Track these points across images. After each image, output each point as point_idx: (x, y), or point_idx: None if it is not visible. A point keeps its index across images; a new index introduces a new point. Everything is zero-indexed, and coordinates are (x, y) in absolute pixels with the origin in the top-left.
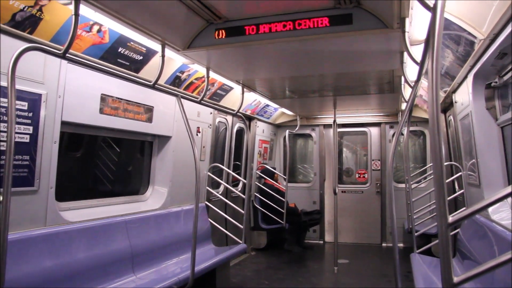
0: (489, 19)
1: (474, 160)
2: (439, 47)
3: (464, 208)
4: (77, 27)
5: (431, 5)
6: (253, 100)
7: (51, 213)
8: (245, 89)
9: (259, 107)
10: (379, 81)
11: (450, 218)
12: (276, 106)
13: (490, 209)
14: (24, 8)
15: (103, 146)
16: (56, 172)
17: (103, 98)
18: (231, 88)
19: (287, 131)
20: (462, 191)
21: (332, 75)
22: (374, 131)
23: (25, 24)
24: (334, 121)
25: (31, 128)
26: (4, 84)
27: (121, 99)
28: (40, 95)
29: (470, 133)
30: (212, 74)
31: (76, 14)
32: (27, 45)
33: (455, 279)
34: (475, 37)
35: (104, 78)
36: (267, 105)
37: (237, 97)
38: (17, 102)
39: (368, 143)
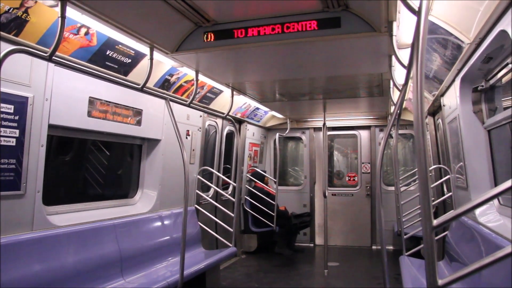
0: (475, 24)
1: (462, 163)
2: (424, 50)
3: (452, 211)
4: (63, 30)
5: (417, 9)
6: (243, 103)
7: (38, 217)
8: (234, 92)
9: (249, 110)
10: (369, 85)
11: (435, 221)
12: (266, 109)
13: (477, 212)
14: (9, 9)
15: (92, 150)
16: (44, 176)
17: (91, 101)
18: (221, 91)
19: (277, 134)
20: (450, 194)
21: (322, 78)
22: (364, 134)
23: (11, 26)
24: (324, 124)
25: (17, 131)
26: None
27: (110, 102)
28: (26, 98)
29: (458, 136)
30: (202, 77)
31: (63, 16)
32: (12, 47)
33: (440, 282)
34: (462, 41)
35: (92, 81)
36: (257, 108)
37: (227, 100)
38: (3, 105)
39: (358, 146)
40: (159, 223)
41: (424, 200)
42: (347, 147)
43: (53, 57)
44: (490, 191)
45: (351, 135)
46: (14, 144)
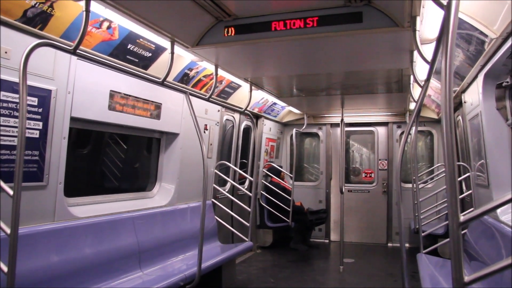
0: (502, 17)
1: (483, 160)
2: (453, 46)
3: (472, 209)
4: (87, 24)
5: (445, 3)
6: (260, 98)
7: (60, 208)
8: (253, 87)
9: (266, 105)
10: (387, 80)
11: (462, 217)
12: (283, 104)
13: (498, 210)
14: (35, 4)
15: (111, 143)
16: (66, 168)
17: (112, 94)
18: (239, 86)
19: (294, 129)
20: (470, 191)
21: (340, 73)
22: (381, 131)
23: (36, 20)
24: (342, 120)
25: (40, 123)
26: (15, 79)
27: (130, 95)
28: (50, 91)
29: (480, 133)
30: (221, 72)
31: (87, 10)
32: (38, 41)
33: (466, 278)
34: (486, 36)
35: (113, 74)
36: (275, 103)
37: (245, 95)
38: (28, 97)
39: (375, 142)
40: (176, 217)
41: (452, 196)
42: (364, 144)
43: (77, 51)
44: None
45: (368, 131)
46: (37, 136)
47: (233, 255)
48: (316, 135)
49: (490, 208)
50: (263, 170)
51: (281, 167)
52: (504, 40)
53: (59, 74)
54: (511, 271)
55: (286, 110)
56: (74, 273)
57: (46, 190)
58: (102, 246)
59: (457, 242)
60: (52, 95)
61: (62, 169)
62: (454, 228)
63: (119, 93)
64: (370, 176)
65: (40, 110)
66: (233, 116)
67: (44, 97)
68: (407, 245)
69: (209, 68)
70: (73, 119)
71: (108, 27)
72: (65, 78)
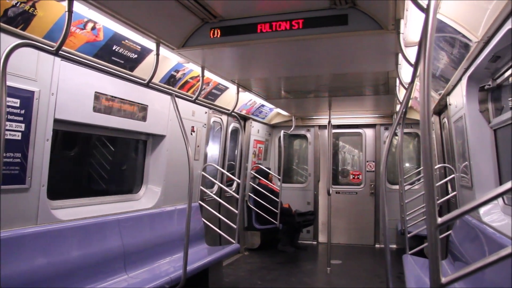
0: (484, 22)
1: (467, 162)
2: (432, 48)
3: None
4: (70, 24)
5: (425, 6)
6: (248, 100)
7: (43, 211)
8: (240, 89)
9: (254, 107)
10: (374, 83)
11: (439, 219)
12: (271, 106)
13: (481, 211)
14: (16, 3)
15: (96, 145)
16: (49, 170)
17: (97, 96)
18: (227, 88)
19: (282, 131)
20: (455, 193)
21: (328, 75)
22: (368, 133)
23: (18, 20)
24: (329, 122)
25: (23, 125)
26: None
27: (115, 97)
28: (32, 92)
29: (464, 135)
30: (207, 73)
31: (70, 10)
32: (18, 41)
33: (443, 280)
34: (469, 39)
35: (98, 76)
36: (263, 105)
37: (232, 97)
38: (9, 99)
39: (363, 144)
40: (162, 219)
41: (429, 198)
42: (352, 145)
43: (60, 52)
44: (494, 190)
45: (356, 133)
46: (19, 138)
47: (220, 257)
48: (304, 137)
49: (467, 210)
50: (251, 172)
51: (269, 169)
52: (486, 44)
53: (42, 75)
54: (493, 271)
55: (274, 112)
56: (58, 277)
57: (28, 193)
58: (86, 249)
59: (434, 244)
60: (35, 96)
61: (46, 171)
62: (432, 230)
63: (105, 94)
64: (358, 178)
65: (23, 111)
66: (220, 118)
67: (26, 98)
68: (394, 246)
69: (196, 70)
70: (57, 121)
71: (93, 28)
72: (48, 79)
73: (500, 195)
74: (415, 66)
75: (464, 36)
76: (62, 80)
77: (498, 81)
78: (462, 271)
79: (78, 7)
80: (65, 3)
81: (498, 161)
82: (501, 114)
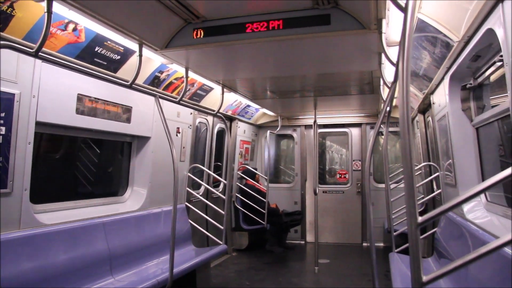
0: (464, 22)
1: (450, 160)
2: (410, 47)
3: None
4: (50, 25)
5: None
6: (234, 100)
7: (26, 215)
8: (225, 90)
9: (240, 108)
10: (359, 82)
11: (420, 218)
12: (257, 106)
13: (465, 209)
14: None
15: (81, 147)
16: (33, 173)
17: (80, 98)
18: (212, 89)
19: (268, 131)
20: (439, 190)
21: (313, 75)
22: (355, 132)
23: None
24: (315, 121)
25: (3, 128)
26: None
27: (99, 99)
28: (13, 94)
29: (447, 133)
30: (192, 74)
31: (49, 11)
32: None
33: (424, 278)
34: (451, 39)
35: (80, 77)
36: (248, 106)
37: (218, 97)
38: None
39: (349, 143)
40: (149, 221)
41: (409, 198)
42: (338, 145)
43: (40, 53)
44: (474, 188)
45: (342, 132)
46: (0, 141)
47: (207, 259)
48: (290, 137)
49: (449, 207)
50: (238, 172)
51: (256, 169)
52: (466, 44)
53: (22, 77)
54: (477, 269)
55: (260, 112)
56: (43, 281)
57: (10, 197)
58: (71, 253)
59: (415, 243)
60: (15, 99)
61: (28, 175)
62: (413, 229)
63: (88, 96)
64: (345, 177)
65: (3, 114)
66: (206, 119)
67: (6, 101)
68: (381, 244)
69: (180, 70)
70: (38, 124)
71: (74, 29)
72: (29, 82)
73: (480, 192)
74: (397, 65)
75: (445, 35)
76: (44, 82)
77: (479, 80)
78: (443, 269)
79: (58, 8)
80: (44, 4)
81: (481, 159)
82: (482, 112)
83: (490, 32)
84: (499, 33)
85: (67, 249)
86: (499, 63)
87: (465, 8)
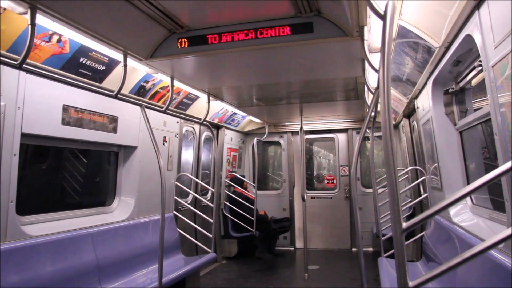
0: (444, 28)
1: (436, 164)
2: (390, 54)
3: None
4: (34, 37)
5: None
6: (220, 108)
7: (12, 227)
8: (211, 98)
9: (226, 115)
10: (344, 88)
11: (404, 224)
12: (243, 114)
13: (451, 212)
14: None
15: (68, 157)
16: (19, 185)
17: (65, 108)
18: (198, 97)
19: (255, 138)
20: (426, 194)
21: (298, 82)
22: (341, 137)
23: None
24: (301, 128)
25: None
26: None
27: (84, 109)
28: None
29: (432, 137)
30: (177, 83)
31: (33, 24)
32: None
33: (411, 284)
34: (432, 45)
35: (66, 88)
36: (235, 113)
37: (204, 106)
38: None
39: (336, 149)
40: (137, 231)
41: (393, 204)
42: (326, 150)
43: (24, 65)
44: (459, 192)
45: (328, 138)
46: None
47: (197, 267)
48: (278, 143)
49: (433, 212)
50: (226, 180)
51: (244, 176)
52: (447, 49)
53: (7, 89)
54: (465, 272)
55: (247, 120)
56: None
57: None
58: (59, 264)
59: (401, 249)
60: (0, 110)
61: (14, 187)
62: (398, 235)
63: (73, 107)
64: (332, 183)
65: None
66: (193, 127)
67: None
68: (370, 249)
69: (166, 80)
70: (24, 135)
71: (58, 41)
72: (14, 93)
73: (464, 196)
74: (379, 71)
75: (426, 41)
76: (29, 93)
77: (461, 84)
78: (429, 274)
79: (42, 20)
80: (28, 16)
81: (465, 162)
82: (465, 116)
83: (469, 38)
84: (477, 39)
85: (55, 260)
86: (479, 68)
87: (444, 15)
